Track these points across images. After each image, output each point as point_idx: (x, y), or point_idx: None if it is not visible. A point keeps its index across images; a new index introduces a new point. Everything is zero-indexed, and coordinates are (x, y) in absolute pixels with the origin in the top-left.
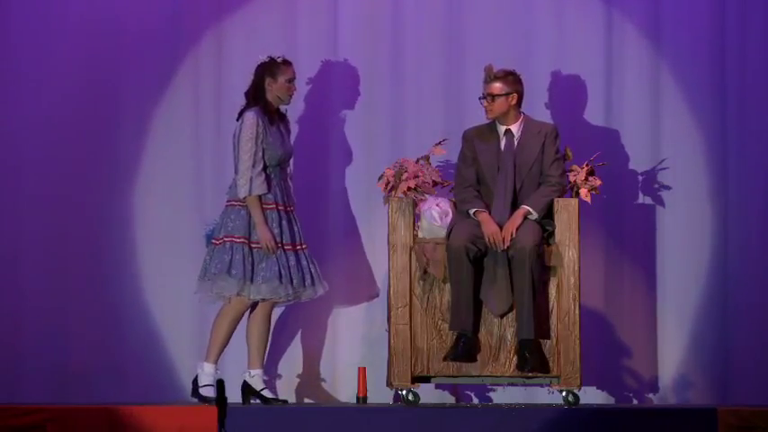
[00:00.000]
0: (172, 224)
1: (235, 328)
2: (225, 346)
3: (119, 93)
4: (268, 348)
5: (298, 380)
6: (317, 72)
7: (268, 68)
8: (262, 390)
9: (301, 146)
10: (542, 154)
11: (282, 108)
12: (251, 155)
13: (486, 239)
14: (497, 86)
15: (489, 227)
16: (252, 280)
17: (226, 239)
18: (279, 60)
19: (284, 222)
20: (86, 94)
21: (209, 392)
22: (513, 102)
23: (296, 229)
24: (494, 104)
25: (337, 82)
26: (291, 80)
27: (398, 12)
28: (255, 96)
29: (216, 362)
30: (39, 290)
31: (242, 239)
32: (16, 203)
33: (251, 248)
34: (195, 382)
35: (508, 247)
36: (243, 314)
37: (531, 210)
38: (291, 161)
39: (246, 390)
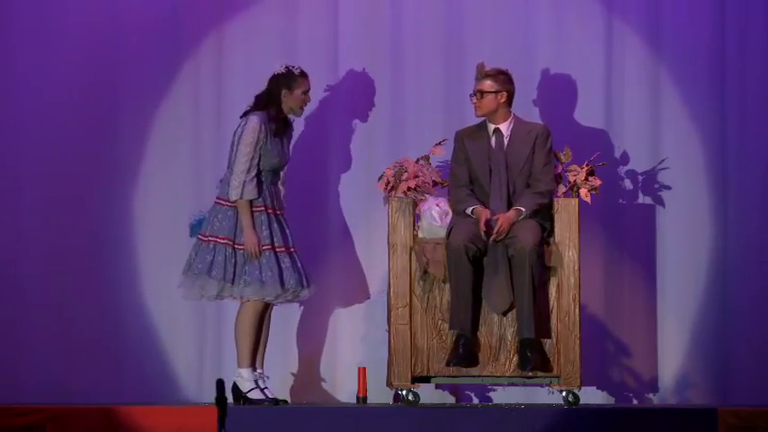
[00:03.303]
0: (171, 225)
1: (260, 329)
2: (256, 347)
3: (119, 93)
4: (263, 348)
5: (295, 379)
6: (317, 72)
7: (285, 80)
8: (248, 391)
9: (301, 146)
10: (533, 155)
11: (291, 117)
12: (248, 159)
13: (481, 227)
14: (487, 84)
15: (485, 215)
16: (233, 282)
17: (211, 238)
18: (296, 72)
19: (274, 225)
20: (87, 95)
21: (257, 395)
22: (503, 100)
23: (287, 231)
24: (482, 101)
25: (337, 82)
26: (307, 92)
27: (398, 13)
28: (266, 104)
29: (252, 365)
30: (39, 290)
31: (226, 240)
32: (16, 203)
33: (235, 250)
34: (235, 390)
35: (508, 247)
36: (260, 314)
37: (522, 210)
38: (285, 167)
39: (235, 390)
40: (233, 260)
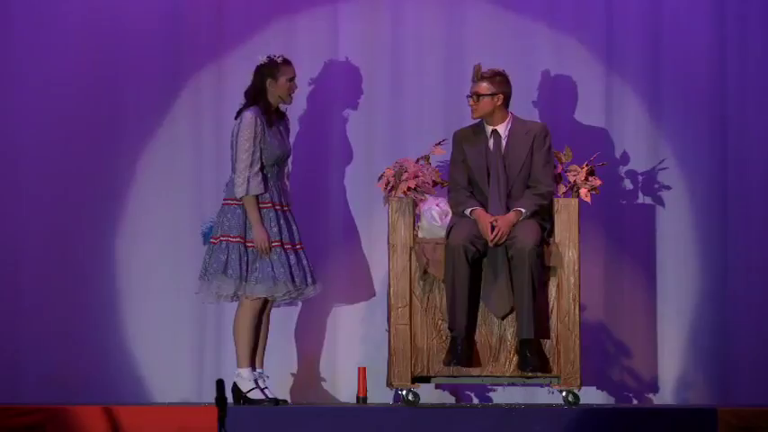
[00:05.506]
0: (172, 225)
1: (258, 328)
2: (255, 347)
3: (120, 95)
4: (262, 347)
5: (295, 379)
6: (317, 72)
7: (268, 69)
8: (248, 391)
9: (301, 145)
10: (531, 155)
11: (282, 107)
12: (249, 155)
13: (482, 230)
14: (484, 86)
15: (485, 220)
16: (246, 279)
17: (222, 239)
18: (279, 60)
19: (282, 221)
20: (88, 96)
21: (257, 395)
22: (499, 102)
23: (294, 228)
24: (479, 104)
25: (338, 82)
26: (292, 78)
27: (398, 13)
28: (255, 97)
29: (251, 364)
30: (38, 290)
31: (238, 239)
32: (16, 204)
33: (246, 248)
34: (235, 390)
35: (507, 247)
36: (258, 313)
37: (522, 211)
38: (289, 161)
39: (235, 390)
40: (245, 258)
